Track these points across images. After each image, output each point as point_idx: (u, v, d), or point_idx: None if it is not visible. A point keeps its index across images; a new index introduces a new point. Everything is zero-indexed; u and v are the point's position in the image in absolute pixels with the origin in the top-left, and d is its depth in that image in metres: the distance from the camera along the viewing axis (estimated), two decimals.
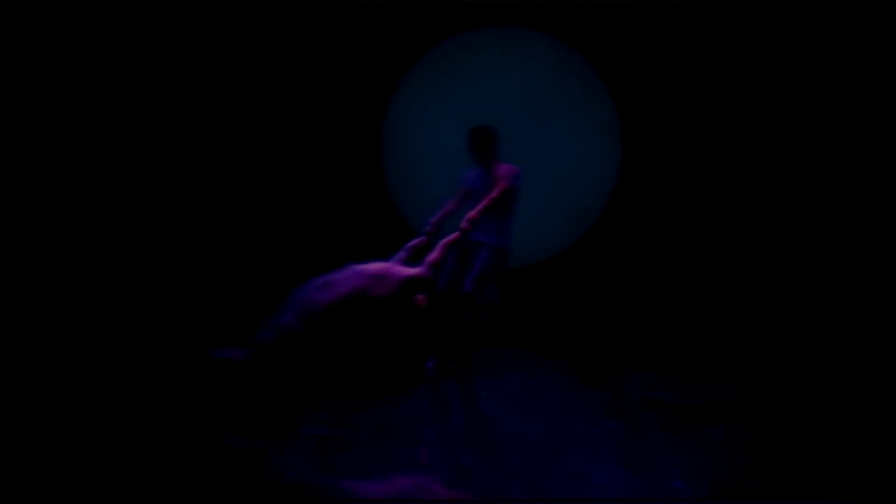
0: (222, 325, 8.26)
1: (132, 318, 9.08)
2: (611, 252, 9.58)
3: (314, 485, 5.28)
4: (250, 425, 6.35)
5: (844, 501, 5.11)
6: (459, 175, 7.93)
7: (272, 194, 9.54)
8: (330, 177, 9.56)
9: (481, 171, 7.81)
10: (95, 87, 9.33)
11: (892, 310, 9.11)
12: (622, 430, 6.48)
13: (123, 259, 9.36)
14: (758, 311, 9.37)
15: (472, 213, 7.55)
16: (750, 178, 9.47)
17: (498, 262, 7.74)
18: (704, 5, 9.33)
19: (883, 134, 9.28)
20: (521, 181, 7.74)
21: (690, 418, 6.61)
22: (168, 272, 9.39)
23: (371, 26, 9.45)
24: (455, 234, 7.58)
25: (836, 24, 9.24)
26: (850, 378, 7.81)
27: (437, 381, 7.59)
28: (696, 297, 9.46)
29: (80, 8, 9.19)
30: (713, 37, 9.40)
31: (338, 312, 7.29)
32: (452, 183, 8.00)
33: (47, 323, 8.86)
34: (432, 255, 7.56)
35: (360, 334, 7.51)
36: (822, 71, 9.34)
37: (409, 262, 7.62)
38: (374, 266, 7.46)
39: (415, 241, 7.74)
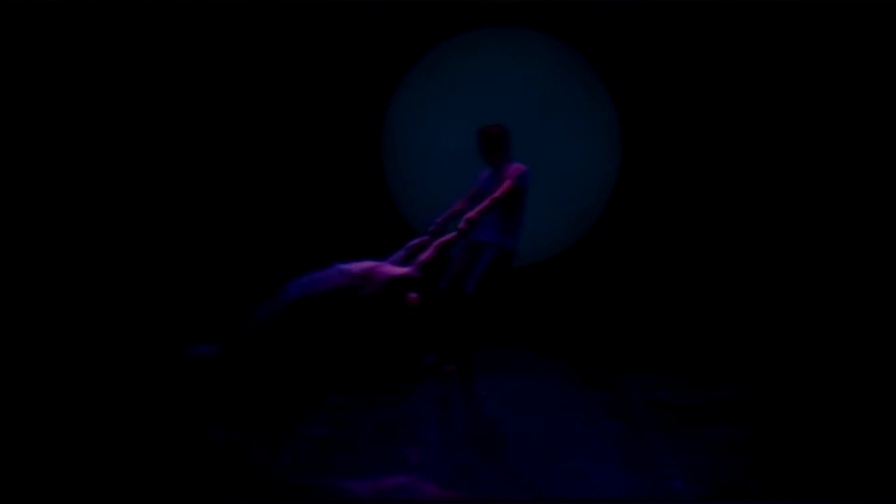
0: (222, 324, 8.25)
1: (130, 318, 9.09)
2: (611, 252, 9.58)
3: (314, 485, 5.28)
4: (250, 425, 6.35)
5: (844, 501, 5.11)
6: (473, 175, 7.93)
7: (272, 194, 9.54)
8: (330, 177, 9.56)
9: (492, 172, 7.78)
10: (95, 87, 9.33)
11: (892, 310, 9.11)
12: (622, 430, 6.48)
13: (127, 259, 9.37)
14: (758, 311, 9.37)
15: (471, 214, 7.54)
16: (750, 178, 9.47)
17: (502, 262, 7.71)
18: (704, 5, 9.33)
19: (883, 134, 9.29)
20: (529, 181, 7.67)
21: (690, 418, 6.61)
22: (168, 272, 9.40)
23: (371, 26, 9.45)
24: (451, 235, 7.58)
25: (836, 24, 9.24)
26: (850, 378, 7.81)
27: (436, 375, 7.59)
28: (696, 297, 9.46)
29: (80, 8, 9.20)
30: (713, 37, 9.40)
31: (314, 308, 7.31)
32: (466, 183, 8.00)
33: (47, 322, 8.87)
34: (424, 255, 7.57)
35: (342, 332, 7.52)
36: (822, 71, 9.34)
37: (407, 261, 7.62)
38: (360, 265, 7.47)
39: (416, 241, 7.74)
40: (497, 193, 7.58)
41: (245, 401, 6.88)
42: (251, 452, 5.81)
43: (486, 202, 7.56)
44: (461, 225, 7.53)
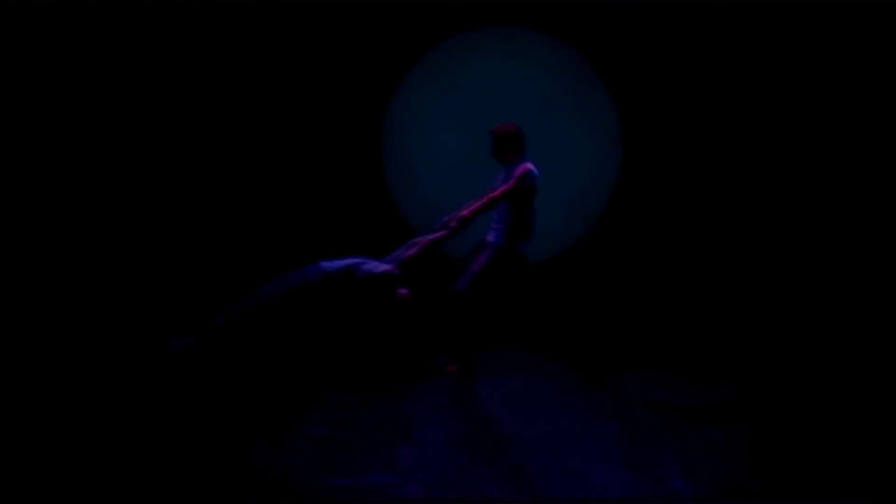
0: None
1: (128, 317, 9.10)
2: (611, 252, 9.58)
3: (314, 485, 5.28)
4: (250, 425, 6.35)
5: (844, 501, 5.11)
6: (473, 175, 7.94)
7: (272, 194, 9.54)
8: (330, 177, 9.56)
9: (505, 172, 7.66)
10: (95, 87, 9.33)
11: (892, 310, 9.11)
12: (622, 430, 6.48)
13: (125, 259, 9.38)
14: (758, 311, 9.37)
15: (464, 212, 7.50)
16: (750, 178, 9.47)
17: (498, 263, 7.63)
18: (704, 5, 9.33)
19: (883, 134, 9.29)
20: (535, 182, 7.53)
21: (690, 418, 6.61)
22: (168, 271, 9.40)
23: (371, 26, 9.45)
24: (441, 233, 7.57)
25: (836, 24, 9.24)
26: (850, 378, 7.81)
27: (437, 375, 7.59)
28: (696, 296, 9.46)
29: (80, 8, 9.19)
30: (713, 37, 9.40)
31: (289, 304, 7.35)
32: (466, 183, 8.01)
33: (42, 320, 8.88)
34: (410, 252, 7.57)
35: (326, 328, 7.53)
36: (823, 71, 9.34)
37: (407, 260, 7.64)
38: (342, 262, 7.50)
39: (422, 238, 7.73)
40: (495, 192, 7.53)
41: (245, 401, 6.88)
42: (251, 452, 5.80)
43: (481, 201, 7.50)
44: (452, 223, 7.50)
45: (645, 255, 9.57)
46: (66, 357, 8.05)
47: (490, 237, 7.66)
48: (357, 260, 7.57)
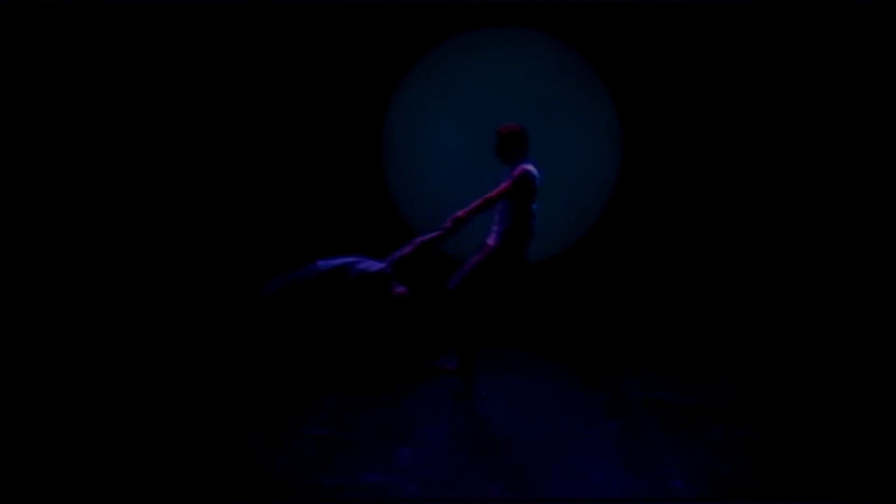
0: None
1: (128, 316, 9.10)
2: (611, 252, 9.58)
3: (314, 485, 5.28)
4: (250, 425, 6.35)
5: (844, 501, 5.11)
6: (472, 175, 7.93)
7: (272, 194, 9.53)
8: (330, 177, 9.56)
9: (507, 172, 7.62)
10: (95, 87, 9.33)
11: (892, 310, 9.11)
12: (622, 430, 6.48)
13: (126, 258, 9.38)
14: (758, 310, 9.37)
15: (459, 213, 7.48)
16: (750, 179, 9.47)
17: (490, 263, 7.58)
18: (704, 5, 9.33)
19: (883, 134, 9.28)
20: (533, 183, 7.50)
21: (690, 418, 6.61)
22: (169, 271, 9.40)
23: (371, 26, 9.45)
24: (436, 233, 7.57)
25: (836, 24, 9.24)
26: (850, 378, 7.81)
27: (436, 375, 7.59)
28: (696, 296, 9.46)
29: (80, 8, 9.19)
30: (713, 37, 9.39)
31: (283, 303, 7.38)
32: (467, 183, 8.00)
33: (41, 318, 8.88)
34: (403, 251, 7.58)
35: (322, 327, 7.54)
36: (823, 71, 9.34)
37: (401, 259, 7.65)
38: (337, 261, 7.52)
39: (424, 237, 7.73)
40: (490, 193, 7.52)
41: (245, 401, 6.88)
42: (251, 452, 5.80)
43: (476, 202, 7.48)
44: (446, 223, 7.49)
45: (645, 255, 9.56)
46: (66, 357, 8.05)
47: (489, 240, 7.65)
48: (353, 259, 7.58)
